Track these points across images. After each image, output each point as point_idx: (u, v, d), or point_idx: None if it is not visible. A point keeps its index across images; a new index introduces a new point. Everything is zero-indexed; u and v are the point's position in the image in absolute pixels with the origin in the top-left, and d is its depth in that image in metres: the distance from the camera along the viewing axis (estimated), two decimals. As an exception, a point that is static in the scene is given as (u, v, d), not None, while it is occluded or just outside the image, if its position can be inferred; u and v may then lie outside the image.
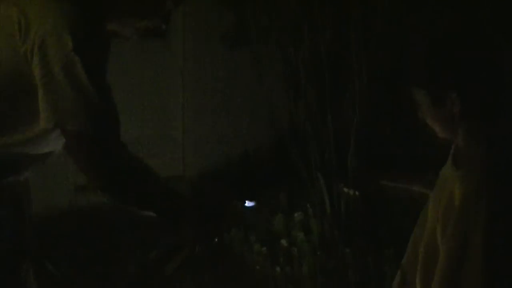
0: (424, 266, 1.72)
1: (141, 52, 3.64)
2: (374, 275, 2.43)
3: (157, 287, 2.07)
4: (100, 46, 1.76)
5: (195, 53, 3.97)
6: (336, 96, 2.82)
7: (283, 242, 2.73)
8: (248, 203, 2.01)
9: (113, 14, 1.85)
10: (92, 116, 1.72)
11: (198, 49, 3.95)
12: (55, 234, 2.52)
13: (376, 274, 2.41)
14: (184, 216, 1.88)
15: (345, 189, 2.30)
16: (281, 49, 3.05)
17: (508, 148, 1.63)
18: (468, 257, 1.56)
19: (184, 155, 3.99)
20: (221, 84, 3.99)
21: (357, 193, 2.34)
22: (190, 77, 3.99)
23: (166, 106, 4.01)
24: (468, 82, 1.59)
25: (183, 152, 4.00)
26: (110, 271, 2.51)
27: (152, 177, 1.86)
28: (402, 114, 2.63)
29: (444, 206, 1.64)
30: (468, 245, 1.56)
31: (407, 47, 2.14)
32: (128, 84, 3.55)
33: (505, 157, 1.61)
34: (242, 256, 2.69)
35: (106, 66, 1.77)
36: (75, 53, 1.68)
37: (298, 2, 2.89)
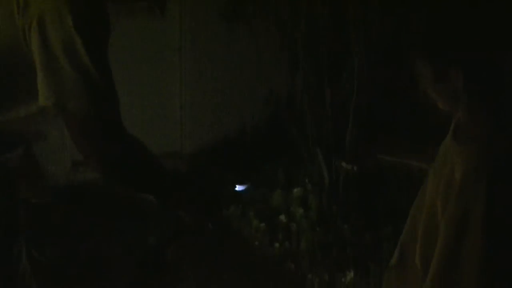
0: (424, 242, 1.71)
1: (138, 30, 3.63)
2: (372, 251, 2.43)
3: (158, 271, 2.07)
4: (101, 25, 1.73)
5: (192, 31, 3.96)
6: (334, 69, 2.80)
7: (282, 218, 2.73)
8: (240, 187, 2.00)
9: None
10: (92, 96, 1.70)
11: (196, 27, 3.93)
12: (51, 212, 2.50)
13: (374, 250, 2.41)
14: (182, 197, 1.88)
15: (343, 164, 2.29)
16: (279, 23, 3.02)
17: (510, 124, 1.62)
18: (468, 233, 1.54)
19: (182, 132, 3.99)
20: (219, 61, 3.97)
21: (355, 168, 2.33)
22: (188, 55, 3.98)
23: (164, 84, 4.01)
24: (472, 57, 1.57)
25: (181, 129, 4.00)
26: (109, 258, 2.50)
27: (151, 159, 1.84)
28: (402, 88, 2.61)
29: (445, 181, 1.63)
30: (468, 220, 1.55)
31: (409, 20, 2.12)
32: (126, 62, 3.54)
33: (506, 133, 1.60)
34: (241, 232, 2.69)
35: (106, 45, 1.75)
36: (76, 31, 1.66)
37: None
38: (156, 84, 3.97)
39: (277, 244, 2.59)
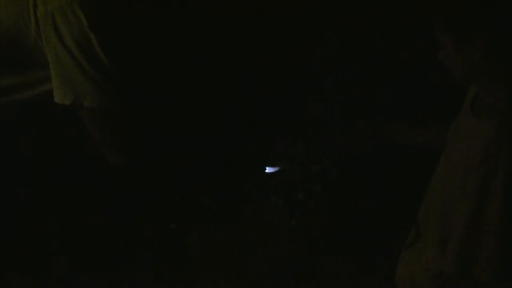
0: (441, 220, 1.69)
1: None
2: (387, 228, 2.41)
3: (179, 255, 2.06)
4: (117, 19, 1.72)
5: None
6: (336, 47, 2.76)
7: (300, 195, 2.70)
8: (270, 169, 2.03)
9: None
10: (109, 91, 1.70)
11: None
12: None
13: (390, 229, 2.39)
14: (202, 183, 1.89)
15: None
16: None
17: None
18: (489, 209, 1.52)
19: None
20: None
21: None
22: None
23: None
24: (494, 26, 1.54)
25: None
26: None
27: (169, 151, 1.85)
28: (405, 65, 2.58)
29: (463, 157, 1.62)
30: (488, 194, 1.51)
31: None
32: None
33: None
34: (260, 207, 2.67)
35: (125, 40, 1.73)
36: (90, 28, 1.65)
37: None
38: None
39: (293, 221, 2.56)
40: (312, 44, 2.71)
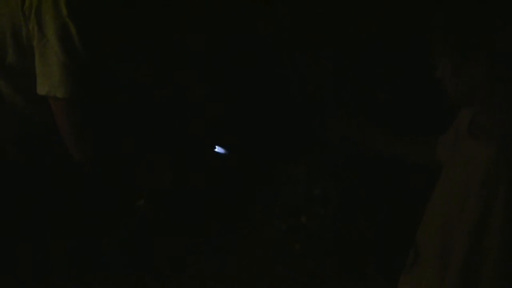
0: (442, 240, 1.68)
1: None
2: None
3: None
4: (98, 11, 1.74)
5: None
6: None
7: (303, 219, 2.69)
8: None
9: None
10: (82, 82, 1.71)
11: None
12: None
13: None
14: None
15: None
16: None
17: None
18: (489, 229, 1.52)
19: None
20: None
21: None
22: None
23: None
24: (492, 48, 1.54)
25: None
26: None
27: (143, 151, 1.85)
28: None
29: (462, 178, 1.62)
30: (489, 216, 1.52)
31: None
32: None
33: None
34: (262, 231, 2.66)
35: (105, 31, 1.75)
36: (70, 18, 1.67)
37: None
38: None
39: (297, 245, 2.55)
40: (309, 61, 2.71)
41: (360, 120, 2.28)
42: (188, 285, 2.36)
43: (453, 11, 1.56)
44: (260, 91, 2.76)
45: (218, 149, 2.44)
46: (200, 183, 2.44)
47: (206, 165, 2.49)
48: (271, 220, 2.76)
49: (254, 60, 2.72)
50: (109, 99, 1.90)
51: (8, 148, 1.92)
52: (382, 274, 2.37)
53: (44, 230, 2.11)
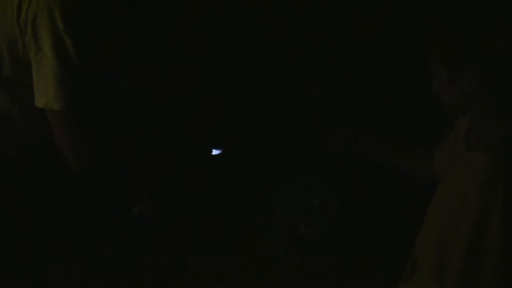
0: (440, 251, 1.68)
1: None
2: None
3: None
4: (94, 24, 1.74)
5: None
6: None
7: (302, 230, 2.68)
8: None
9: None
10: (78, 95, 1.71)
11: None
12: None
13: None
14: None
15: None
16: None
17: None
18: (487, 240, 1.53)
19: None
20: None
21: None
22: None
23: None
24: (488, 59, 1.54)
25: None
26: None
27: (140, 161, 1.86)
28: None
29: (459, 190, 1.62)
30: (486, 227, 1.52)
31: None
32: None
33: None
34: (261, 243, 2.65)
35: (102, 40, 1.75)
36: (66, 32, 1.67)
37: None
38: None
39: (296, 256, 2.54)
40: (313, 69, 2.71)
41: (358, 130, 2.27)
42: (188, 285, 2.36)
43: (452, 13, 1.57)
44: (260, 92, 2.76)
45: (217, 150, 2.44)
46: (200, 183, 2.44)
47: (206, 166, 2.48)
48: (269, 230, 2.75)
49: (254, 62, 2.72)
50: (107, 104, 1.91)
51: (6, 157, 1.92)
52: (382, 274, 2.36)
53: (44, 234, 2.11)
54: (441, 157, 1.79)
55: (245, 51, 2.73)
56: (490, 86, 1.51)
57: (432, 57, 1.58)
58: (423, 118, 2.37)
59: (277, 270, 2.51)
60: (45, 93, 1.68)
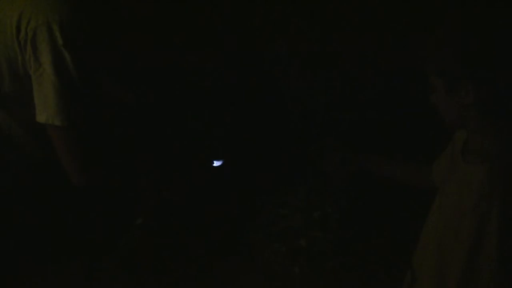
0: (437, 262, 1.69)
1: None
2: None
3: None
4: (93, 41, 1.75)
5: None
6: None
7: (302, 242, 2.68)
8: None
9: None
10: (78, 110, 1.72)
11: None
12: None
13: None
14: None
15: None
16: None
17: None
18: (483, 252, 1.53)
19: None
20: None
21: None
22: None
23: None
24: (484, 72, 1.55)
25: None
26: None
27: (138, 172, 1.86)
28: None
29: (456, 202, 1.62)
30: (482, 239, 1.53)
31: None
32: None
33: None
34: (261, 255, 2.65)
35: (100, 60, 1.77)
36: (65, 47, 1.68)
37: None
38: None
39: (297, 269, 2.54)
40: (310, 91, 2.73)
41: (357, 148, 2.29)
42: (188, 285, 2.37)
43: (449, 24, 1.57)
44: (262, 105, 2.78)
45: (218, 162, 2.46)
46: (201, 196, 2.45)
47: (206, 178, 2.50)
48: (270, 243, 2.76)
49: (253, 87, 2.74)
50: (108, 118, 1.92)
51: (7, 174, 1.93)
52: (383, 285, 2.37)
53: (46, 249, 2.12)
54: (439, 169, 1.81)
55: (243, 72, 2.75)
56: (486, 97, 1.51)
57: (429, 69, 1.59)
58: (421, 131, 2.38)
59: (278, 283, 2.52)
60: (46, 109, 1.69)
